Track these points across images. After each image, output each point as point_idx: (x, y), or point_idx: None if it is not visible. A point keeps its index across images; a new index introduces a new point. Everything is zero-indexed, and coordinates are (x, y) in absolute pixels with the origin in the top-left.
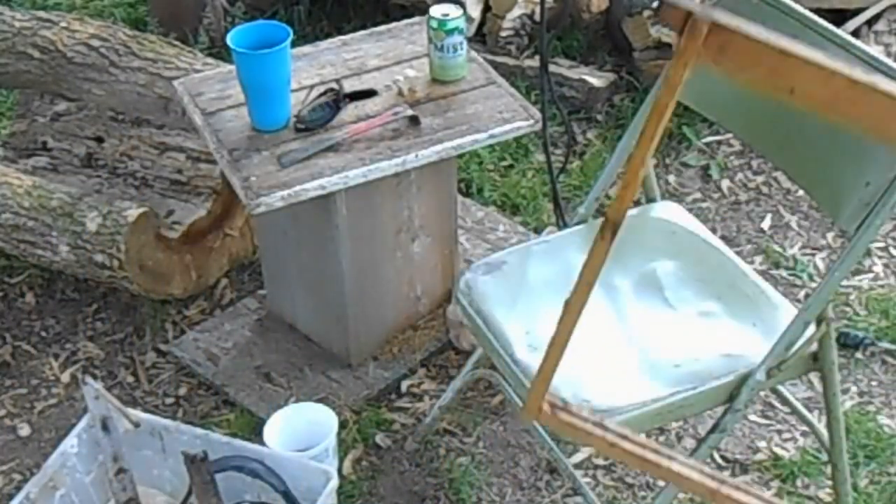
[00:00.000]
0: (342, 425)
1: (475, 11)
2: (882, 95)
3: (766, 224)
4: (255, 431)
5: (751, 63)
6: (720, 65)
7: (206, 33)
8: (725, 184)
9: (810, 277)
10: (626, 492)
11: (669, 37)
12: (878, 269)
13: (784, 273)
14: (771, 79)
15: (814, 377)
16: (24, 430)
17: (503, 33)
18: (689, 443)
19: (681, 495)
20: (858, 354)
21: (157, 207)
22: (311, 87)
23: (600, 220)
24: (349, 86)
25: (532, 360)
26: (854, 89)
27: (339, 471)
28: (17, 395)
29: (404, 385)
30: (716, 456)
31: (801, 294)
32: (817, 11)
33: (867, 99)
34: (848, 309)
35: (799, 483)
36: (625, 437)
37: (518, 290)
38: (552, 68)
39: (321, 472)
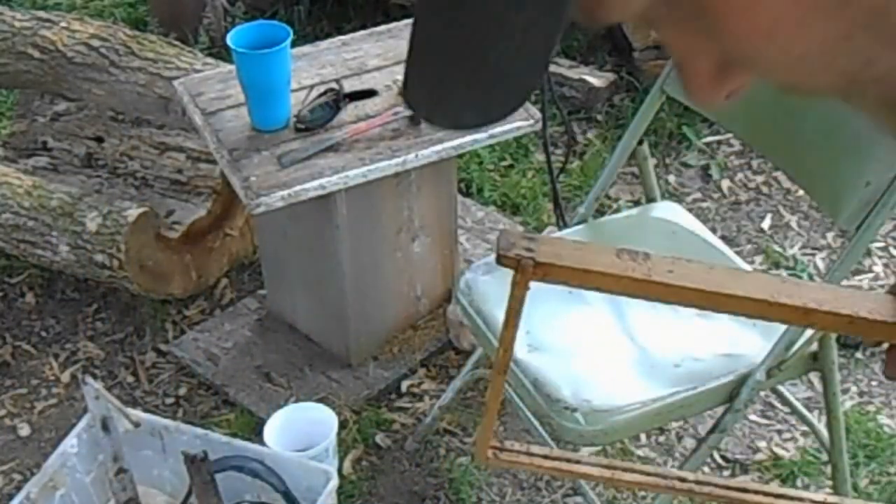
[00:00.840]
0: (342, 425)
1: None
2: (656, 285)
3: (766, 224)
4: (255, 431)
5: (568, 278)
6: (550, 282)
7: (206, 33)
8: (725, 184)
9: (810, 277)
10: (626, 492)
11: None
12: (878, 269)
13: (784, 273)
14: (578, 283)
15: (814, 377)
16: (24, 430)
17: None
18: (689, 443)
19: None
20: (858, 354)
21: (157, 207)
22: (311, 87)
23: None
24: (349, 86)
25: (532, 360)
26: (634, 286)
27: (339, 471)
28: (17, 395)
29: (404, 385)
30: (716, 456)
31: None
32: None
33: (638, 287)
34: None
35: (799, 483)
36: (547, 457)
37: None
38: (552, 68)
39: (321, 472)
